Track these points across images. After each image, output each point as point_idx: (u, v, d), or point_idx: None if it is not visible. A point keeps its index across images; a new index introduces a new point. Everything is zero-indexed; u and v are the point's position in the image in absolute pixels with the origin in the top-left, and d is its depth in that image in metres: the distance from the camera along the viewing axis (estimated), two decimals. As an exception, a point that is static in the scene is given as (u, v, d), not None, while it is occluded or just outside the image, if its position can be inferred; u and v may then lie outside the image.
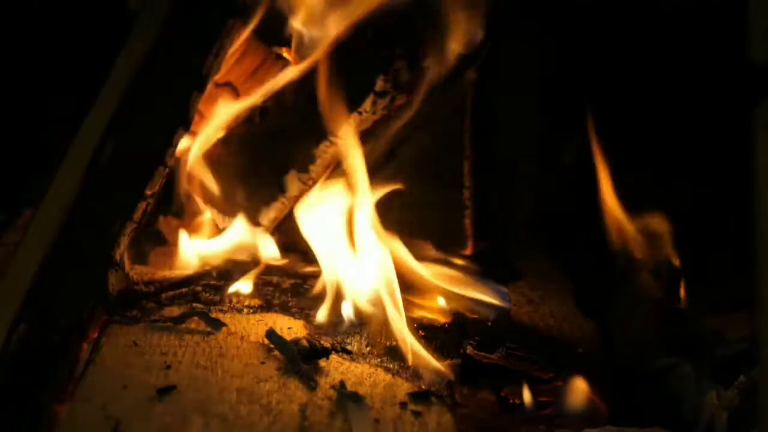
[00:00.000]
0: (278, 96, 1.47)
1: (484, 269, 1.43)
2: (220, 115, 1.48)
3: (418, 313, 1.34)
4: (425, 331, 1.29)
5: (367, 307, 1.29)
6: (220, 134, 1.50)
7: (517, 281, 1.48)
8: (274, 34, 1.48)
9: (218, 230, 1.51)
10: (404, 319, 1.24)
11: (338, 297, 1.31)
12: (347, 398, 1.09)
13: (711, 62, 1.40)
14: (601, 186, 1.41)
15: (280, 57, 1.51)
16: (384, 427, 1.06)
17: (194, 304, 1.33)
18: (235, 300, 1.36)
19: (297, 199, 1.46)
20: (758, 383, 0.97)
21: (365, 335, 1.26)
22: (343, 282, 1.32)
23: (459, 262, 1.46)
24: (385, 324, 1.25)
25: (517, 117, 1.50)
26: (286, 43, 1.51)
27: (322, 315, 1.31)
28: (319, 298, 1.33)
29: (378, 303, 1.27)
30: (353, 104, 1.40)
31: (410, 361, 1.20)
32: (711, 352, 1.25)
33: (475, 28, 1.41)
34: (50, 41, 1.61)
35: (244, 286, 1.39)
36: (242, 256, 1.44)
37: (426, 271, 1.36)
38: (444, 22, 1.39)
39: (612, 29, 1.47)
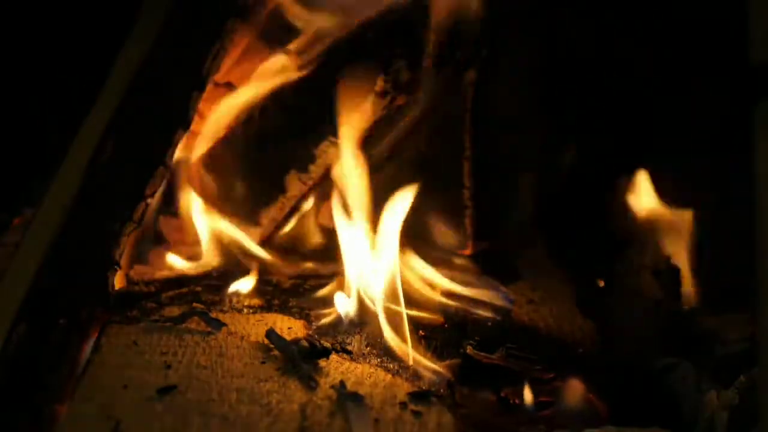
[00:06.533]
0: (278, 96, 1.47)
1: (484, 269, 1.43)
2: (220, 115, 1.48)
3: (419, 313, 1.34)
4: (425, 331, 1.29)
5: (369, 306, 1.29)
6: (221, 134, 1.50)
7: (517, 281, 1.48)
8: (275, 33, 1.48)
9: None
10: (405, 320, 1.24)
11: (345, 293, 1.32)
12: (347, 398, 1.08)
13: (711, 62, 1.40)
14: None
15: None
16: (384, 427, 1.05)
17: (194, 304, 1.33)
18: (235, 300, 1.36)
19: (297, 199, 1.46)
20: (758, 383, 0.97)
21: (365, 335, 1.26)
22: (355, 280, 1.32)
23: (459, 262, 1.46)
24: (384, 324, 1.25)
25: (517, 117, 1.50)
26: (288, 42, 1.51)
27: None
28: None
29: (379, 303, 1.27)
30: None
31: (410, 361, 1.20)
32: (711, 352, 1.25)
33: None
34: (50, 41, 1.61)
35: (244, 286, 1.39)
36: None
37: (427, 271, 1.37)
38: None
39: (612, 29, 1.47)
